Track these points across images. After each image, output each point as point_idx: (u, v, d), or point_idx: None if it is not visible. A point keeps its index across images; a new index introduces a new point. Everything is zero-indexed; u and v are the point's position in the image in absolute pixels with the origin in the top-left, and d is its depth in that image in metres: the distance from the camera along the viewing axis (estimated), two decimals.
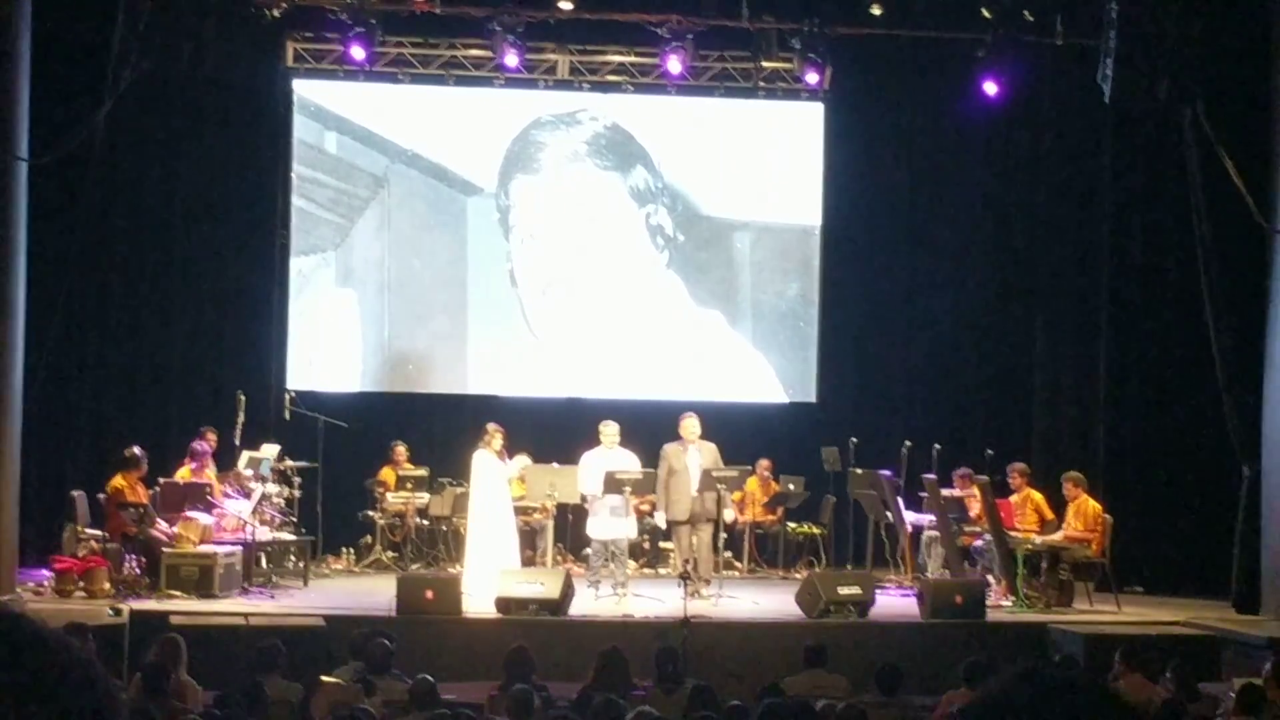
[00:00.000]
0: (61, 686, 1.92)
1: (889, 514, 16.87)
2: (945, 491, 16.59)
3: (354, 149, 19.27)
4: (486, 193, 19.47)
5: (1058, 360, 19.12)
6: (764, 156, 19.74)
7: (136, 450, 15.66)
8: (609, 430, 16.28)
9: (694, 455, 16.16)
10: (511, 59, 17.84)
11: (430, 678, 10.08)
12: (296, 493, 17.09)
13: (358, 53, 17.54)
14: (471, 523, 16.03)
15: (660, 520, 16.57)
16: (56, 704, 1.90)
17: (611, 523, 16.10)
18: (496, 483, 15.96)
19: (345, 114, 19.24)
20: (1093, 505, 16.17)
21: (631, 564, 17.28)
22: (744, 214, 19.84)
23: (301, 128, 19.10)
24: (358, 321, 19.30)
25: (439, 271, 19.43)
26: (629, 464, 16.10)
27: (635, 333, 19.59)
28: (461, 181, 19.46)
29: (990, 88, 17.57)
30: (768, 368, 19.79)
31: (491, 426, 16.12)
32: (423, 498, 17.60)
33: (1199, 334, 16.67)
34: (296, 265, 19.09)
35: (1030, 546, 15.84)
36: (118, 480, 15.43)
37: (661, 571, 17.46)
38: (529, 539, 17.03)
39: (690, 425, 16.26)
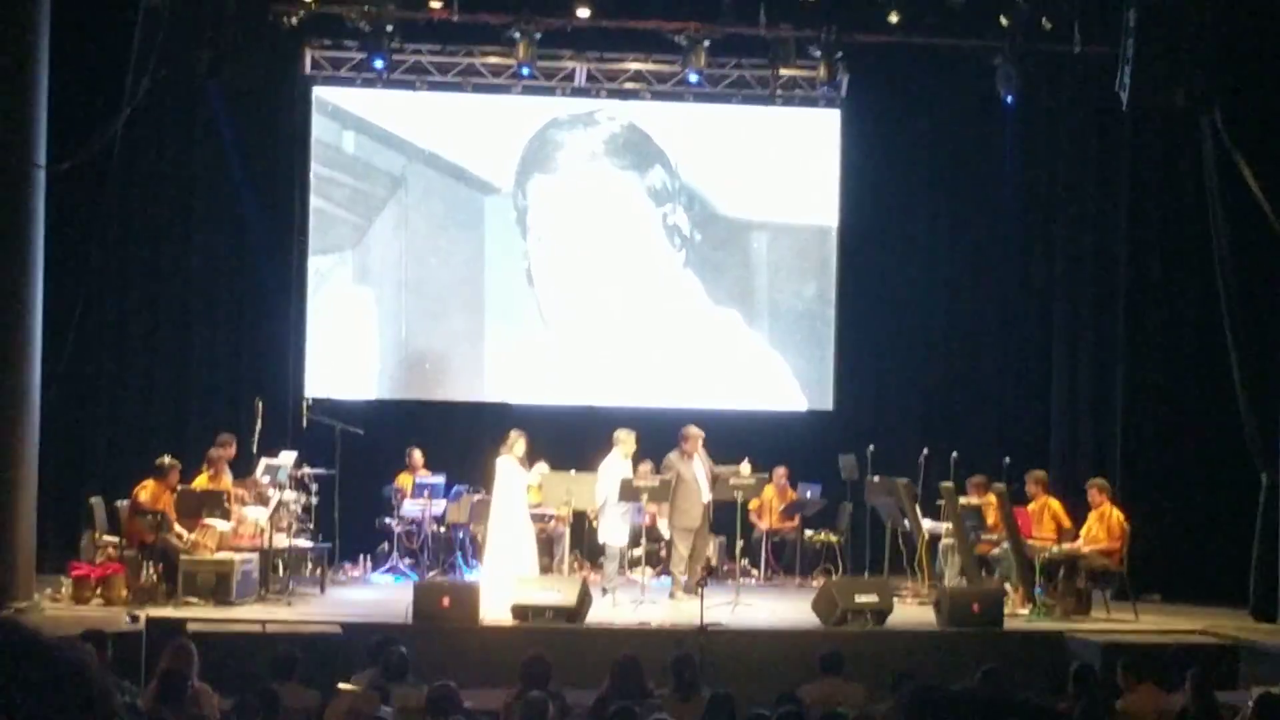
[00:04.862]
0: (54, 692, 1.93)
1: (906, 521, 16.84)
2: (962, 499, 16.57)
3: (372, 149, 19.34)
4: (504, 192, 19.54)
5: (1075, 367, 19.08)
6: (781, 159, 19.78)
7: (167, 459, 15.66)
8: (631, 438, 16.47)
9: (699, 464, 16.29)
10: (528, 69, 17.94)
11: (451, 684, 10.07)
12: (314, 500, 17.10)
13: (376, 61, 17.61)
14: (491, 528, 16.05)
15: (664, 529, 16.61)
16: (49, 709, 1.92)
17: (621, 529, 16.33)
18: (517, 489, 15.98)
19: (363, 115, 19.32)
20: (1116, 515, 16.11)
21: (649, 571, 17.31)
22: (761, 214, 19.88)
23: (320, 127, 19.18)
24: (375, 320, 19.36)
25: (456, 270, 19.48)
26: (626, 472, 16.28)
27: (651, 332, 19.63)
28: (479, 181, 19.52)
29: (1007, 97, 17.56)
30: (785, 369, 19.80)
31: (514, 433, 16.15)
32: (439, 505, 17.60)
33: (1216, 341, 16.63)
34: (314, 264, 19.18)
35: (1048, 555, 15.81)
36: (149, 484, 15.43)
37: (665, 579, 17.38)
38: (545, 546, 17.04)
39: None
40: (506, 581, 14.92)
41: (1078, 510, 16.42)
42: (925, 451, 17.31)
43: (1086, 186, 18.99)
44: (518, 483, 15.97)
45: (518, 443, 16.02)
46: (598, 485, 16.28)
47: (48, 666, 1.97)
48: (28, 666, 1.95)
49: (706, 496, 16.27)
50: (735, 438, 17.07)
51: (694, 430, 16.43)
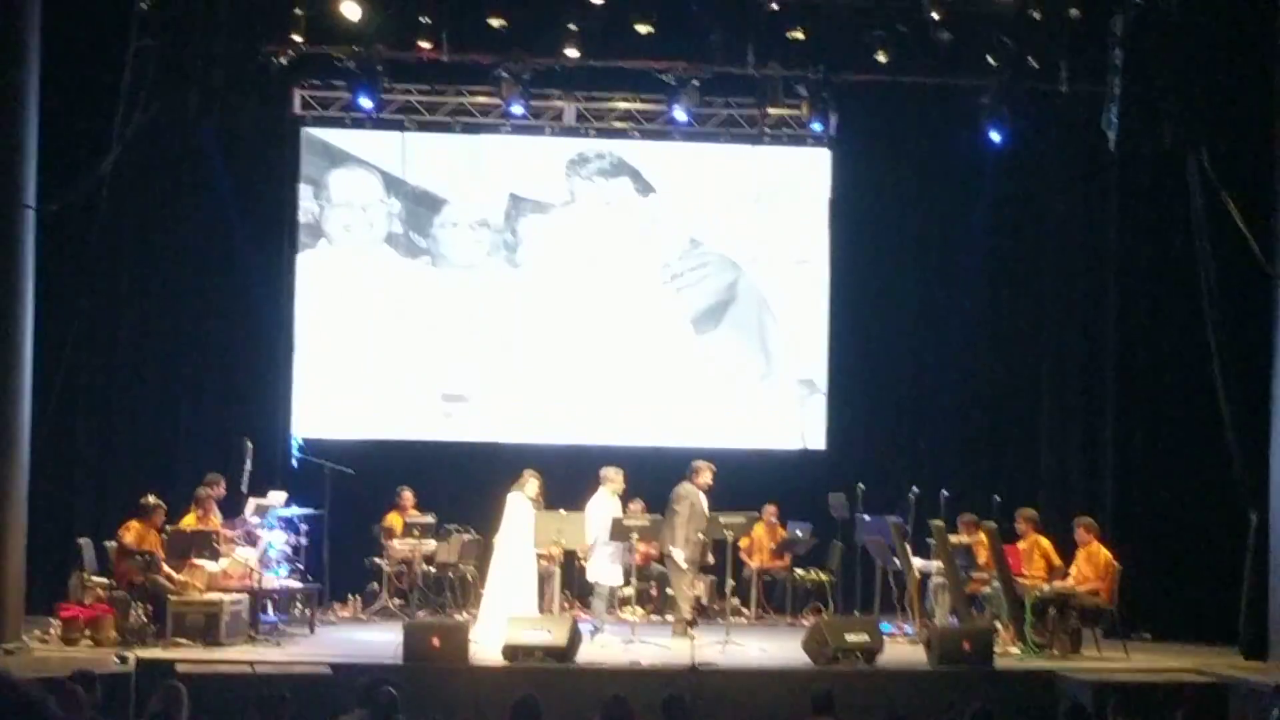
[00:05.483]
0: None
1: (896, 560, 16.82)
2: (953, 538, 16.55)
3: (361, 187, 19.41)
4: (494, 229, 19.58)
5: (1065, 406, 19.10)
6: (770, 197, 19.89)
7: (151, 499, 15.62)
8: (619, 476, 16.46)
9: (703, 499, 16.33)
10: (518, 108, 18.00)
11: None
12: (303, 540, 17.05)
13: (365, 100, 17.64)
14: (495, 564, 16.01)
15: (680, 559, 16.53)
16: None
17: (613, 568, 16.28)
18: (526, 528, 15.95)
19: (353, 153, 19.37)
20: (1104, 553, 16.10)
21: (640, 610, 17.30)
22: (750, 251, 19.97)
23: (309, 166, 19.25)
24: (364, 359, 19.35)
25: (446, 309, 19.51)
26: (615, 510, 16.27)
27: (642, 369, 19.69)
28: (469, 219, 19.57)
29: (995, 135, 17.63)
30: (776, 407, 19.82)
31: (528, 472, 16.19)
32: (429, 544, 17.56)
33: (1205, 379, 16.64)
34: (303, 302, 19.17)
35: (1039, 593, 15.80)
36: (134, 525, 15.38)
37: (669, 618, 17.35)
38: (537, 586, 16.99)
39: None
40: (505, 618, 14.88)
41: (1068, 548, 16.41)
42: (915, 490, 17.31)
43: (1074, 224, 19.04)
44: (527, 521, 15.96)
45: (530, 482, 16.09)
46: (587, 524, 16.27)
47: (16, 708, 1.97)
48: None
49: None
50: (725, 475, 17.03)
51: (706, 464, 16.51)
